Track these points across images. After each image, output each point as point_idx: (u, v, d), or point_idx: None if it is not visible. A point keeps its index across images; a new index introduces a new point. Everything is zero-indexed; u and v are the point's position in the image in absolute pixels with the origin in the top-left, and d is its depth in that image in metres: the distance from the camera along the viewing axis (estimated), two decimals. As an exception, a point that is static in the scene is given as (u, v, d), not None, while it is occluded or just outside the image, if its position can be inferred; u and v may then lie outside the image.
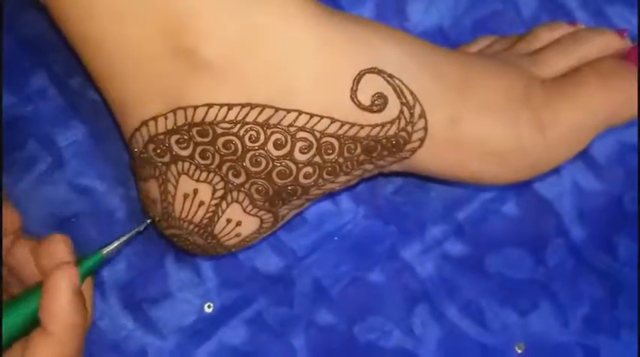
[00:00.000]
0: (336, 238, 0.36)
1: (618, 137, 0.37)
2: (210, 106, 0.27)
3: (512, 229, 0.37)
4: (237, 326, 0.35)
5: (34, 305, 0.28)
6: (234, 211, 0.30)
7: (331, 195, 0.36)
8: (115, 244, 0.30)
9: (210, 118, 0.28)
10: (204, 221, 0.30)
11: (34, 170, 0.35)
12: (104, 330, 0.34)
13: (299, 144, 0.28)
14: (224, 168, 0.29)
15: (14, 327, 0.28)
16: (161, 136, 0.29)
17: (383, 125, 0.29)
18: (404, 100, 0.29)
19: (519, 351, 0.36)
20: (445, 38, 0.38)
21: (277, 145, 0.28)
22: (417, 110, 0.29)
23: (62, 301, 0.28)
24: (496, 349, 0.36)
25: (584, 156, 0.37)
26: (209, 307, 0.35)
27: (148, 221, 0.31)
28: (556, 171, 0.36)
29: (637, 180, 0.37)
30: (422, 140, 0.29)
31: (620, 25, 0.39)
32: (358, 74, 0.28)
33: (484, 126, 0.30)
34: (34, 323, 0.28)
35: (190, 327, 0.35)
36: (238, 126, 0.28)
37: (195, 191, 0.29)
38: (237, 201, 0.29)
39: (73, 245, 0.29)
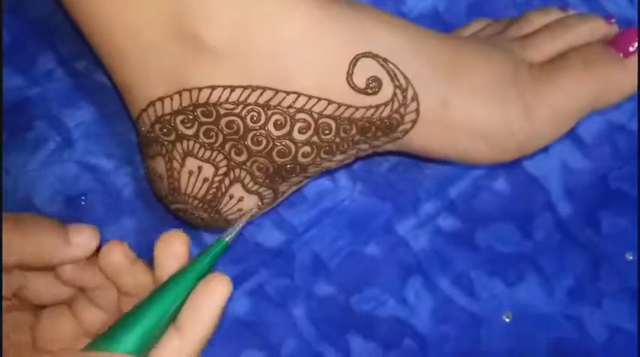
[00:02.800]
0: (339, 209, 0.37)
1: (605, 117, 0.38)
2: (213, 87, 0.28)
3: (502, 205, 0.37)
4: (240, 297, 0.36)
5: (168, 306, 0.26)
6: (236, 188, 0.31)
7: (329, 173, 0.36)
8: (236, 230, 0.29)
9: (213, 99, 0.28)
10: (208, 197, 0.31)
11: (44, 150, 0.36)
12: None
13: (298, 124, 0.29)
14: (227, 146, 0.29)
15: (151, 326, 0.25)
16: (167, 117, 0.29)
17: (377, 107, 0.30)
18: (397, 84, 0.29)
19: (507, 320, 0.36)
20: (440, 21, 0.38)
21: (277, 126, 0.29)
22: (410, 93, 0.30)
23: (214, 312, 0.26)
24: (485, 317, 0.36)
25: (571, 135, 0.37)
26: None
27: (258, 203, 0.31)
28: (544, 149, 0.37)
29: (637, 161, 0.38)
30: (414, 122, 0.30)
31: (611, 9, 0.39)
32: (354, 58, 0.29)
33: (473, 108, 0.31)
34: (164, 326, 0.26)
35: None
36: (240, 107, 0.29)
37: (200, 168, 0.30)
38: (239, 178, 0.30)
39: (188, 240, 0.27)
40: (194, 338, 0.25)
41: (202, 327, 0.25)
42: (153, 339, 0.26)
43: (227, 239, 0.28)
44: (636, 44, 0.31)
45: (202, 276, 0.27)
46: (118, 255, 0.26)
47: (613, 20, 0.34)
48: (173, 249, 0.27)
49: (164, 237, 0.27)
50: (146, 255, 0.35)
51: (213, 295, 0.26)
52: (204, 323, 0.26)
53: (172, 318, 0.26)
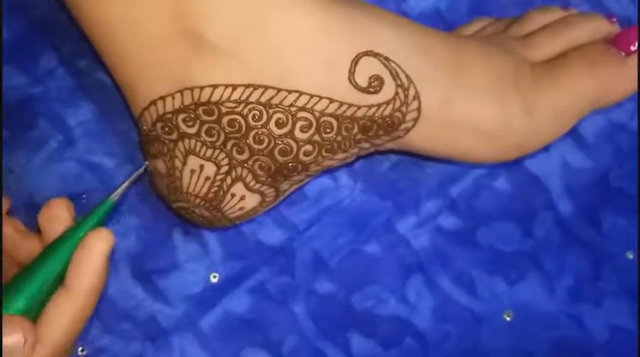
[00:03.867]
0: (340, 207, 0.37)
1: (607, 116, 0.38)
2: (215, 86, 0.28)
3: (503, 204, 0.37)
4: (242, 295, 0.36)
5: (54, 266, 0.28)
6: (238, 186, 0.31)
7: (330, 171, 0.36)
8: (120, 188, 0.31)
9: (215, 97, 0.29)
10: (210, 195, 0.31)
11: (46, 148, 0.36)
12: (115, 299, 0.35)
13: (299, 123, 0.29)
14: (229, 145, 0.30)
15: (39, 286, 0.28)
16: (169, 115, 0.29)
17: (379, 106, 0.30)
18: (399, 82, 0.29)
19: (508, 318, 0.37)
20: (442, 20, 0.38)
21: (279, 124, 0.29)
22: (412, 92, 0.30)
23: (96, 264, 0.28)
24: (486, 316, 0.36)
25: (573, 134, 0.37)
26: (214, 277, 0.36)
27: (146, 163, 0.32)
28: (546, 148, 0.37)
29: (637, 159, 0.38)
30: (415, 120, 0.30)
31: (613, 7, 0.39)
32: (356, 57, 0.29)
33: (474, 108, 0.31)
34: (52, 284, 0.28)
35: (197, 296, 0.36)
36: (242, 105, 0.29)
37: (202, 167, 0.30)
38: (240, 176, 0.30)
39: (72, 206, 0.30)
40: (79, 291, 0.28)
41: (85, 279, 0.28)
42: (41, 299, 0.28)
43: (113, 198, 0.30)
44: (637, 43, 0.31)
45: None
46: (6, 228, 0.30)
47: (615, 19, 0.34)
48: (56, 213, 0.29)
49: (47, 204, 0.30)
50: (148, 253, 0.36)
51: (93, 247, 0.28)
52: (86, 276, 0.28)
53: (61, 278, 0.28)
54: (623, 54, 0.32)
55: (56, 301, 0.28)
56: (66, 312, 0.28)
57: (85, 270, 0.28)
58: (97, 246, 0.28)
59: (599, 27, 0.33)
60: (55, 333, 0.28)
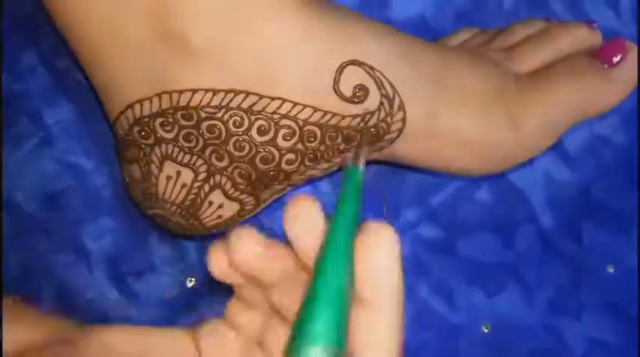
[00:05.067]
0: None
1: (589, 129, 0.38)
2: (195, 91, 0.28)
3: (484, 215, 0.37)
4: (220, 300, 0.35)
5: (338, 280, 0.20)
6: (216, 194, 0.30)
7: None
8: (363, 154, 0.22)
9: (194, 102, 0.28)
10: (187, 203, 0.31)
11: (25, 146, 0.35)
12: (91, 301, 0.35)
13: (282, 131, 0.29)
14: (207, 151, 0.29)
15: (335, 310, 0.20)
16: (146, 119, 0.29)
17: (363, 116, 0.29)
18: (384, 92, 0.29)
19: (486, 330, 0.37)
20: (427, 28, 0.38)
21: (261, 131, 0.29)
22: (397, 102, 0.30)
23: (388, 269, 0.20)
24: (464, 327, 0.37)
25: (556, 147, 0.37)
26: (191, 281, 0.36)
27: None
28: (529, 161, 0.36)
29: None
30: (400, 131, 0.30)
31: (597, 20, 0.39)
32: (340, 66, 0.29)
33: (459, 119, 0.31)
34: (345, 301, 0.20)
35: (172, 300, 0.35)
36: (222, 111, 0.28)
37: (179, 173, 0.30)
38: (219, 184, 0.30)
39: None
40: (382, 305, 0.21)
41: (388, 287, 0.21)
42: (344, 320, 0.20)
43: (360, 166, 0.22)
44: (620, 55, 0.32)
45: (355, 226, 0.21)
46: (249, 245, 0.21)
47: (595, 25, 0.34)
48: (307, 214, 0.21)
49: (292, 203, 0.21)
50: (124, 255, 0.35)
51: (379, 250, 0.20)
52: (388, 285, 0.21)
53: (349, 292, 0.20)
54: (606, 66, 0.32)
55: (357, 325, 0.20)
56: (382, 332, 0.21)
57: (385, 280, 0.21)
58: (383, 245, 0.20)
59: (581, 36, 0.33)
60: None
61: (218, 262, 0.22)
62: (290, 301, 0.22)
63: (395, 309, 0.21)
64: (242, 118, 0.28)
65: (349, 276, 0.20)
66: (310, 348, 0.19)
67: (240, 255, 0.21)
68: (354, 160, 0.22)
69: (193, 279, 0.36)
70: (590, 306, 0.37)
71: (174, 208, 0.31)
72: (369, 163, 0.34)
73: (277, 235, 0.36)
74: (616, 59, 0.32)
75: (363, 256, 0.20)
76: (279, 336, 0.22)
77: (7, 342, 0.21)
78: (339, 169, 0.33)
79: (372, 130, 0.30)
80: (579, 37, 0.33)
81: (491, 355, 0.37)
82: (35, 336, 0.22)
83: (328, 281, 0.20)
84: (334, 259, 0.20)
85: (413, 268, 0.37)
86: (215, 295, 0.36)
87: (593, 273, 0.37)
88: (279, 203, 0.36)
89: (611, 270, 0.37)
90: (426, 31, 0.38)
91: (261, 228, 0.36)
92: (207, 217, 0.31)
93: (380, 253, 0.20)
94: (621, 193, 0.38)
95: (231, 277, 0.22)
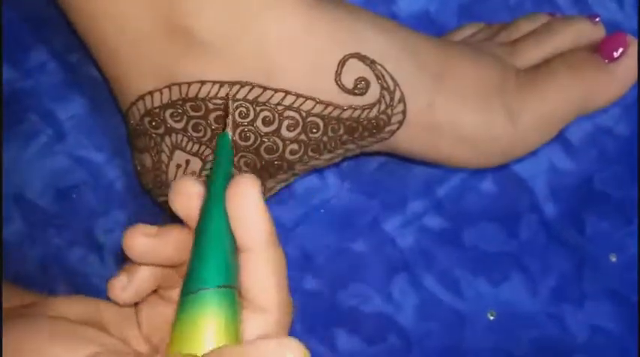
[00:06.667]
0: (322, 211, 0.37)
1: (593, 120, 0.38)
2: (202, 83, 0.29)
3: (489, 205, 0.38)
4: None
5: (221, 236, 0.23)
6: (223, 183, 0.31)
7: (318, 171, 0.37)
8: (230, 123, 0.26)
9: (202, 94, 0.29)
10: (195, 190, 0.31)
11: (36, 142, 0.36)
12: (105, 293, 0.36)
13: (286, 122, 0.29)
14: (215, 141, 0.30)
15: (222, 256, 0.23)
16: (156, 110, 0.30)
17: (364, 108, 0.30)
18: (385, 85, 0.30)
19: (491, 317, 0.37)
20: (431, 22, 0.38)
21: (266, 122, 0.29)
22: (397, 95, 0.30)
23: (256, 214, 0.23)
24: (469, 315, 0.37)
25: (559, 138, 0.38)
26: None
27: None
28: (533, 151, 0.36)
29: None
30: (400, 123, 0.31)
31: (601, 13, 0.39)
32: (342, 59, 0.29)
33: (458, 113, 0.31)
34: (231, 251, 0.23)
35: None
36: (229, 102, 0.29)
37: (187, 162, 0.31)
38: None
39: None
40: (259, 244, 0.23)
41: (257, 233, 0.23)
42: (231, 263, 0.23)
43: (229, 132, 0.25)
44: (621, 50, 0.32)
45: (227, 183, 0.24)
46: (142, 242, 0.24)
47: (598, 19, 0.34)
48: (187, 191, 0.24)
49: (175, 188, 0.24)
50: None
51: (243, 199, 0.23)
52: (256, 229, 0.23)
53: (231, 240, 0.24)
54: (607, 61, 0.32)
55: (246, 266, 0.23)
56: (262, 270, 0.23)
57: (252, 224, 0.23)
58: (247, 195, 0.23)
59: (583, 31, 0.33)
60: (270, 296, 0.24)
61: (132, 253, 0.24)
62: None
63: (271, 249, 0.23)
64: (247, 109, 0.29)
65: (228, 226, 0.23)
66: (202, 291, 0.22)
67: (134, 249, 0.24)
68: (223, 128, 0.25)
69: (204, 270, 0.36)
70: (593, 294, 0.37)
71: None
72: (371, 154, 0.35)
73: (285, 226, 0.37)
74: (616, 54, 0.32)
75: (233, 204, 0.23)
76: None
77: None
78: (344, 160, 0.34)
79: (372, 121, 0.30)
80: (582, 32, 0.33)
81: (496, 342, 0.37)
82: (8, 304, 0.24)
83: (210, 231, 0.23)
84: (212, 212, 0.23)
85: (418, 259, 0.37)
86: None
87: (596, 262, 0.37)
88: (287, 194, 0.37)
89: (613, 259, 0.38)
90: (430, 26, 0.38)
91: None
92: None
93: (246, 200, 0.23)
94: (623, 184, 0.38)
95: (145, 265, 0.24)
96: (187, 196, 0.24)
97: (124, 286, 0.24)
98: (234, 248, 0.24)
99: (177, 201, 0.24)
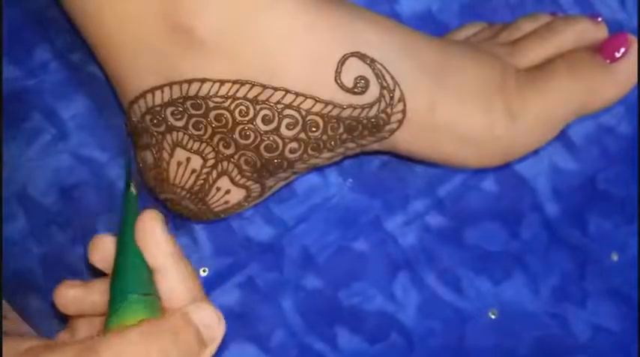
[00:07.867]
0: (328, 205, 0.37)
1: (595, 119, 0.38)
2: (203, 81, 0.29)
3: (490, 204, 0.37)
4: (230, 289, 0.36)
5: (136, 264, 0.28)
6: (223, 180, 0.31)
7: (319, 169, 0.37)
8: (134, 184, 0.30)
9: (203, 92, 0.29)
10: (196, 188, 0.31)
11: (39, 141, 0.36)
12: None
13: (285, 120, 0.29)
14: (215, 139, 0.30)
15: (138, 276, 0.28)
16: (157, 108, 0.30)
17: (364, 107, 0.30)
18: (385, 84, 0.30)
19: (493, 316, 0.37)
20: (433, 21, 0.38)
21: (265, 121, 0.29)
22: (397, 94, 0.30)
23: (158, 239, 0.28)
24: (471, 314, 0.37)
25: (561, 137, 0.38)
26: (204, 271, 0.36)
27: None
28: (534, 151, 0.36)
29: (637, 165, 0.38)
30: (400, 122, 0.31)
31: (603, 12, 0.39)
32: (342, 57, 0.29)
33: (458, 112, 0.31)
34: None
35: None
36: (229, 101, 0.29)
37: (188, 159, 0.31)
38: (226, 170, 0.31)
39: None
40: (166, 262, 0.28)
41: (161, 253, 0.28)
42: (148, 278, 0.28)
43: (134, 191, 0.30)
44: (622, 50, 0.31)
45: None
46: (70, 293, 0.29)
47: (600, 19, 0.34)
48: (104, 247, 0.29)
49: (92, 245, 0.29)
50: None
51: (147, 231, 0.28)
52: (159, 251, 0.28)
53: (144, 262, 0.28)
54: (608, 61, 0.32)
55: (161, 280, 0.28)
56: (173, 279, 0.28)
57: (154, 248, 0.28)
58: (150, 226, 0.28)
59: (584, 30, 0.33)
60: (184, 299, 0.28)
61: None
62: None
63: (176, 263, 0.28)
64: (247, 107, 0.29)
65: (140, 254, 0.28)
66: (129, 295, 0.27)
67: (63, 302, 0.29)
68: (128, 188, 0.30)
69: (207, 269, 0.36)
70: (595, 293, 0.37)
71: (183, 192, 0.31)
72: (372, 153, 0.35)
73: (286, 224, 0.37)
74: (618, 54, 0.32)
75: (139, 235, 0.28)
76: None
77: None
78: (344, 158, 0.34)
79: (372, 121, 0.30)
80: (583, 32, 0.33)
81: (498, 341, 0.37)
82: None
83: (126, 254, 0.28)
84: (126, 243, 0.28)
85: (420, 258, 0.37)
86: (228, 283, 0.36)
87: (598, 261, 0.37)
88: (289, 192, 0.37)
89: (615, 258, 0.37)
90: (432, 25, 0.38)
91: (271, 217, 0.37)
92: (215, 202, 0.32)
93: (150, 231, 0.28)
94: (625, 183, 0.38)
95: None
96: (102, 250, 0.29)
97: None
98: (148, 269, 0.28)
99: (94, 255, 0.29)
